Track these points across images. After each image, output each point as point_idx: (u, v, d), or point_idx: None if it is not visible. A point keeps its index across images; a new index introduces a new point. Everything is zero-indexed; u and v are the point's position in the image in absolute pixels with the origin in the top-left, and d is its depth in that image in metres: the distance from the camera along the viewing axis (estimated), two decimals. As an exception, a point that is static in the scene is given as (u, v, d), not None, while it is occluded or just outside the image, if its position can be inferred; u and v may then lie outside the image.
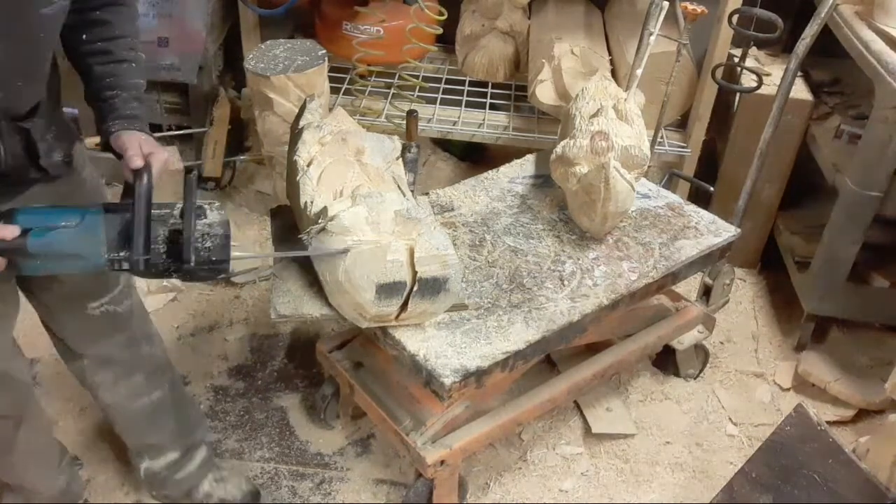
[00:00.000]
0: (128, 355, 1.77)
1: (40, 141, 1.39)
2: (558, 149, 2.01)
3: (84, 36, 1.45)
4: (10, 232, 1.26)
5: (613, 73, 2.67)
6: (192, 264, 1.33)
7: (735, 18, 2.32)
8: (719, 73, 2.42)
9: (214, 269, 1.37)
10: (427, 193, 2.18)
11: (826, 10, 2.06)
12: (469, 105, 2.85)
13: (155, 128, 2.79)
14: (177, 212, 1.38)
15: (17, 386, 1.64)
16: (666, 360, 2.44)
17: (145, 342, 1.80)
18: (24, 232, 1.27)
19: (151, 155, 1.42)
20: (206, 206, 1.39)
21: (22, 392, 1.67)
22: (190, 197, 1.35)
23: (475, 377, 1.66)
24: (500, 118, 2.83)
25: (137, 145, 1.42)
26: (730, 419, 2.34)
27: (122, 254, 1.32)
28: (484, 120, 2.79)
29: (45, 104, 1.40)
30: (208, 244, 1.35)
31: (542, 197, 2.19)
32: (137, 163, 1.38)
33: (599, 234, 2.02)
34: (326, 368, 2.14)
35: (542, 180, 2.25)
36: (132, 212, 1.31)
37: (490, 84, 2.97)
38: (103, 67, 1.47)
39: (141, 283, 2.62)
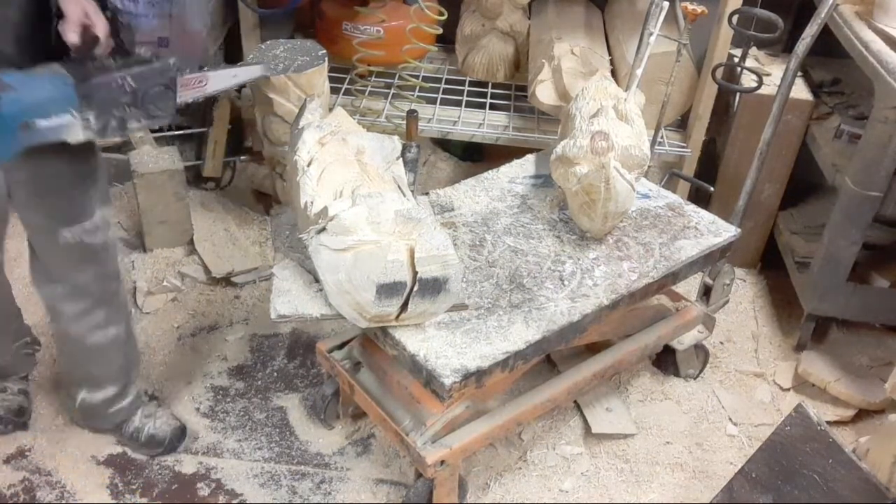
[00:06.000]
0: (97, 289, 1.87)
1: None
2: (558, 149, 2.01)
3: None
4: None
5: (613, 73, 2.67)
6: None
7: (735, 18, 2.32)
8: (719, 73, 2.42)
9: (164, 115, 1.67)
10: (427, 193, 2.18)
11: (826, 10, 2.06)
12: (469, 105, 2.85)
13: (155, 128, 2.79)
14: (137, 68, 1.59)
15: None
16: (666, 360, 2.44)
17: (114, 279, 1.92)
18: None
19: (96, 26, 1.49)
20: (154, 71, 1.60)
21: None
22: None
23: (475, 377, 1.66)
24: (500, 118, 2.83)
25: (78, 17, 1.47)
26: (730, 419, 2.34)
27: (90, 117, 1.54)
28: (484, 120, 2.79)
29: None
30: (159, 107, 1.63)
31: (542, 197, 2.19)
32: (72, 39, 1.47)
33: (599, 234, 2.02)
34: (326, 368, 2.14)
35: (542, 180, 2.25)
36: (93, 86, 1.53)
37: (490, 84, 2.97)
38: None
39: (141, 283, 2.62)
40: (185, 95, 1.74)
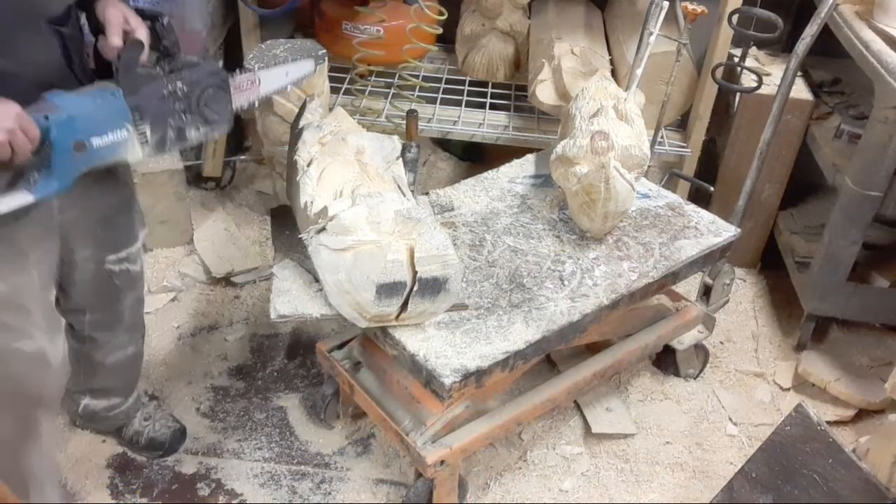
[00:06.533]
0: (130, 316, 1.91)
1: (73, 52, 1.47)
2: (558, 149, 2.01)
3: None
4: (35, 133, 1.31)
5: (613, 73, 2.67)
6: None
7: (735, 18, 2.32)
8: (719, 73, 2.42)
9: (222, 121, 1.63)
10: (427, 193, 2.18)
11: (826, 10, 2.06)
12: (469, 105, 2.85)
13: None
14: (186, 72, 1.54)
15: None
16: (666, 360, 2.44)
17: (142, 303, 1.96)
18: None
19: (137, 31, 1.48)
20: (210, 88, 1.57)
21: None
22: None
23: (475, 377, 1.66)
24: (500, 118, 2.83)
25: (119, 21, 1.46)
26: (730, 419, 2.34)
27: (145, 130, 1.49)
28: (484, 120, 2.79)
29: (74, 12, 1.47)
30: (215, 111, 1.59)
31: (542, 197, 2.19)
32: (115, 42, 1.45)
33: (599, 234, 2.02)
34: (326, 368, 2.14)
35: (542, 180, 2.25)
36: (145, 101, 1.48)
37: (490, 84, 2.97)
38: None
39: (141, 283, 2.62)
40: (241, 99, 1.66)
